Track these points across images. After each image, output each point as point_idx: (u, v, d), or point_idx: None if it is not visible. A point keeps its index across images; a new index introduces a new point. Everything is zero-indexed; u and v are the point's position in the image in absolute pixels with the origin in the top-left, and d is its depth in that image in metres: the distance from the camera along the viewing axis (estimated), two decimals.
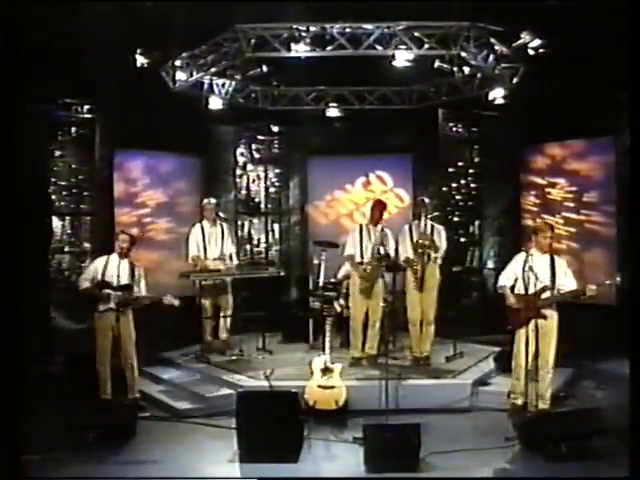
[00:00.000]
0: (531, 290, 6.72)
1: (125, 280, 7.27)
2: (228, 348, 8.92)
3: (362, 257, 8.21)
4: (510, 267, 6.99)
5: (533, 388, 6.67)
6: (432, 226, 8.21)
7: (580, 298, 6.61)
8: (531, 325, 6.65)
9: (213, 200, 9.55)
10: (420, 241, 8.06)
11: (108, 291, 7.19)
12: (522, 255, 6.92)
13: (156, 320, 7.50)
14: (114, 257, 7.37)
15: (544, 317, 6.57)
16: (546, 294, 6.63)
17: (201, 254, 9.11)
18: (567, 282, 6.70)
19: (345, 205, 11.95)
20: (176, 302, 7.25)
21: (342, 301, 8.59)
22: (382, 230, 8.27)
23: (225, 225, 9.52)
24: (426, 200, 8.38)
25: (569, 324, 7.20)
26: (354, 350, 8.05)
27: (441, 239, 8.22)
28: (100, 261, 7.41)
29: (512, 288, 6.88)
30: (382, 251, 8.06)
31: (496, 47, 8.24)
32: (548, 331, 6.61)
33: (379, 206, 8.39)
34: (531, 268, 6.66)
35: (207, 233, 9.23)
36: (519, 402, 6.90)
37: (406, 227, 8.32)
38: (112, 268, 7.29)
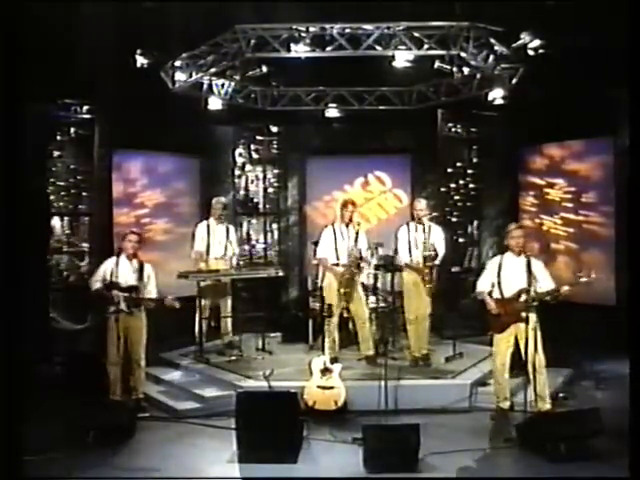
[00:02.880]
0: (507, 294, 6.75)
1: (133, 281, 7.29)
2: (232, 348, 8.91)
3: (338, 259, 8.23)
4: (486, 272, 7.02)
5: (530, 389, 6.70)
6: (430, 228, 8.21)
7: (558, 298, 6.63)
8: (511, 329, 6.67)
9: (222, 199, 9.64)
10: (425, 253, 8.04)
11: (117, 292, 7.20)
12: (497, 259, 6.95)
13: (155, 321, 7.49)
14: (123, 258, 7.40)
15: (524, 320, 6.55)
16: (524, 296, 6.64)
17: (204, 252, 9.16)
18: (544, 283, 6.72)
19: None
20: (177, 305, 7.27)
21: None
22: (357, 232, 8.28)
23: (230, 226, 9.57)
24: (425, 202, 8.38)
25: (569, 324, 7.22)
26: (330, 350, 7.89)
27: (440, 244, 8.22)
28: (110, 262, 7.42)
29: (490, 293, 6.90)
30: (357, 254, 8.09)
31: (496, 47, 8.23)
32: (530, 334, 6.58)
33: (349, 206, 8.38)
34: (517, 270, 6.67)
35: (212, 231, 9.29)
36: (504, 405, 6.93)
37: (404, 228, 8.30)
38: (121, 269, 7.33)
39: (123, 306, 7.20)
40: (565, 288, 6.55)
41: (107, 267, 7.37)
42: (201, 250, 9.22)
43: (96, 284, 7.35)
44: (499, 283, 6.83)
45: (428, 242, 8.04)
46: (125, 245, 7.40)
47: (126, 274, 7.32)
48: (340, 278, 8.14)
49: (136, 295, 7.26)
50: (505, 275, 6.80)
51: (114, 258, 7.44)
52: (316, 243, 9.78)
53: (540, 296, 6.64)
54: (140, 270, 7.38)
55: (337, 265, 8.23)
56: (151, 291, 7.44)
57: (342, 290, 8.13)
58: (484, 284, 6.97)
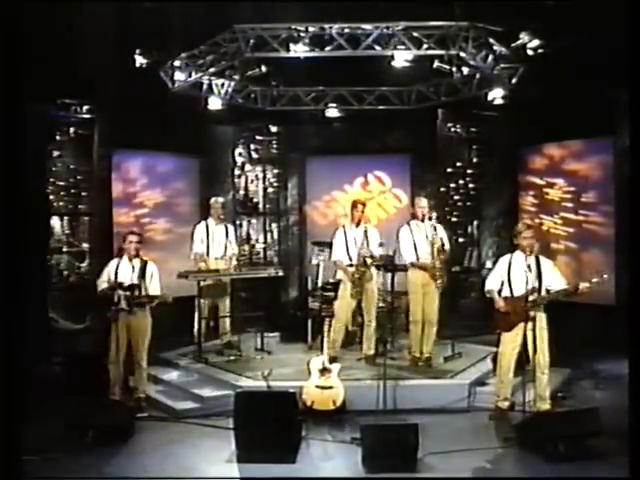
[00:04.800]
0: (517, 293, 6.75)
1: (134, 280, 7.31)
2: (231, 348, 8.91)
3: (350, 260, 8.25)
4: (496, 270, 7.02)
5: (531, 389, 6.70)
6: (434, 227, 8.20)
7: (573, 296, 6.64)
8: (519, 328, 6.67)
9: (221, 199, 9.67)
10: (436, 246, 8.05)
11: (120, 292, 7.22)
12: (507, 257, 6.95)
13: (155, 320, 7.50)
14: (124, 258, 7.43)
15: (533, 319, 6.56)
16: (533, 296, 6.64)
17: (204, 252, 9.17)
18: (555, 282, 6.72)
19: (343, 205, 11.92)
20: (169, 299, 7.32)
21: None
22: (365, 230, 8.29)
23: (229, 225, 9.58)
24: (426, 200, 8.36)
25: (569, 324, 7.20)
26: (330, 349, 7.82)
27: (446, 240, 8.22)
28: (113, 263, 7.47)
29: (499, 292, 6.90)
30: (367, 253, 8.10)
31: (495, 47, 8.25)
32: (538, 333, 6.61)
33: (359, 206, 8.39)
34: (527, 269, 6.68)
35: (212, 231, 9.29)
36: (503, 405, 6.93)
37: (406, 228, 8.30)
38: (123, 269, 7.38)
39: (124, 305, 7.21)
40: (585, 284, 6.54)
41: (110, 268, 7.42)
42: (200, 251, 9.22)
43: (102, 284, 7.39)
44: (509, 282, 6.83)
45: (437, 237, 8.05)
46: (127, 246, 7.43)
47: (127, 274, 7.34)
48: (351, 278, 8.17)
49: (138, 293, 7.27)
50: (515, 274, 6.80)
51: (116, 259, 7.49)
52: (316, 243, 9.83)
53: (553, 295, 6.66)
54: (142, 269, 7.39)
55: (351, 266, 8.24)
56: (155, 288, 7.46)
57: (354, 290, 8.15)
58: (493, 282, 6.97)
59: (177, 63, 9.04)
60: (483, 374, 7.85)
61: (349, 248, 8.29)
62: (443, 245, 8.08)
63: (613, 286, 9.02)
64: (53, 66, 7.98)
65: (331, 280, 9.32)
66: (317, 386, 7.03)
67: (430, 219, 8.13)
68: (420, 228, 8.16)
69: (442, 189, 11.19)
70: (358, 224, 8.34)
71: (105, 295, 7.33)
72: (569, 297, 6.69)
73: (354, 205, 8.44)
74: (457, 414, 7.11)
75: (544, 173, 10.94)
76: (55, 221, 9.70)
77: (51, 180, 9.59)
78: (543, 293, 6.67)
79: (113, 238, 9.80)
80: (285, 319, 10.47)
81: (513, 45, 8.17)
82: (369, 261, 8.16)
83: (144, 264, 7.44)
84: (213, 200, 9.56)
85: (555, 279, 6.76)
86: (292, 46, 8.04)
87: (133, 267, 7.39)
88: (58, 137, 9.67)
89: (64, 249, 9.75)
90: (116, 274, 7.33)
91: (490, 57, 8.38)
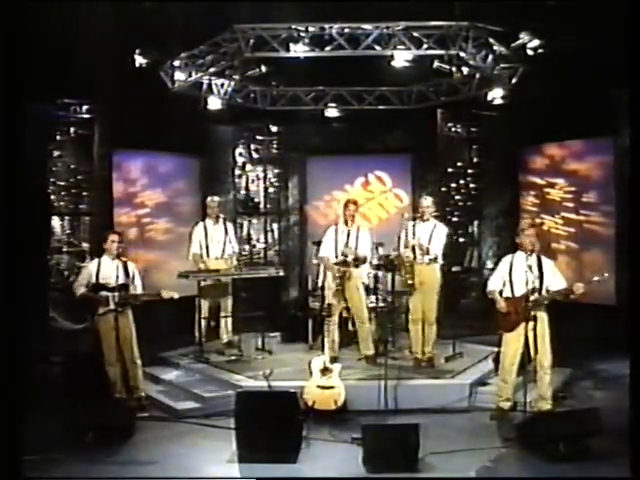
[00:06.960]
0: (518, 292, 6.74)
1: (121, 279, 7.27)
2: (232, 348, 8.91)
3: (337, 258, 8.25)
4: (497, 271, 7.02)
5: (532, 389, 6.70)
6: (434, 225, 8.18)
7: (570, 297, 6.63)
8: (521, 328, 6.66)
9: (217, 198, 9.64)
10: (412, 242, 8.03)
11: (105, 293, 7.18)
12: (508, 258, 6.95)
13: (155, 320, 7.50)
14: (105, 258, 7.36)
15: (534, 319, 6.56)
16: (534, 295, 6.64)
17: (203, 253, 9.17)
18: (555, 282, 6.72)
19: None
20: (175, 295, 7.27)
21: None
22: (357, 230, 8.30)
23: (228, 224, 9.57)
24: (431, 200, 8.35)
25: (569, 324, 7.18)
26: (329, 350, 7.76)
27: (440, 241, 8.18)
28: (92, 265, 7.42)
29: (501, 292, 6.90)
30: (348, 252, 8.09)
31: (495, 47, 8.25)
32: (540, 333, 6.61)
33: (351, 205, 8.39)
34: (528, 269, 6.67)
35: (210, 231, 9.28)
36: (505, 406, 6.92)
37: (409, 225, 8.26)
38: (106, 269, 7.28)
39: (112, 305, 7.18)
40: (579, 285, 6.53)
41: (90, 270, 7.35)
42: (198, 252, 9.21)
43: (80, 289, 7.30)
44: (510, 282, 6.82)
45: (428, 240, 8.03)
46: (109, 246, 7.34)
47: (113, 274, 7.26)
48: (333, 276, 8.17)
49: (126, 293, 7.24)
50: (516, 274, 6.78)
51: (95, 260, 7.43)
52: (317, 243, 9.81)
53: (552, 295, 6.66)
54: (125, 269, 7.35)
55: (337, 264, 8.24)
56: (137, 287, 7.43)
57: (337, 288, 8.14)
58: (495, 283, 6.96)
59: (177, 63, 9.04)
60: (484, 374, 7.85)
61: (337, 246, 8.28)
62: (427, 251, 8.01)
63: (613, 286, 9.03)
64: (53, 66, 7.98)
65: None
66: (318, 386, 7.03)
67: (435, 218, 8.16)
68: (421, 226, 8.14)
69: (443, 189, 11.20)
70: (349, 223, 8.34)
71: (85, 298, 7.29)
72: (566, 298, 6.68)
73: (345, 204, 8.46)
74: (458, 414, 7.11)
75: (545, 173, 10.94)
76: (56, 221, 9.70)
77: (51, 180, 9.59)
78: (543, 293, 6.67)
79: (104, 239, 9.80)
80: (286, 319, 10.46)
81: (513, 45, 8.17)
82: (350, 260, 8.15)
83: (125, 264, 7.38)
84: (209, 199, 9.55)
85: (554, 279, 6.75)
86: (292, 46, 8.04)
87: (116, 267, 7.31)
88: (58, 137, 9.67)
89: (64, 249, 9.75)
90: (97, 275, 7.26)
91: (490, 57, 8.39)
